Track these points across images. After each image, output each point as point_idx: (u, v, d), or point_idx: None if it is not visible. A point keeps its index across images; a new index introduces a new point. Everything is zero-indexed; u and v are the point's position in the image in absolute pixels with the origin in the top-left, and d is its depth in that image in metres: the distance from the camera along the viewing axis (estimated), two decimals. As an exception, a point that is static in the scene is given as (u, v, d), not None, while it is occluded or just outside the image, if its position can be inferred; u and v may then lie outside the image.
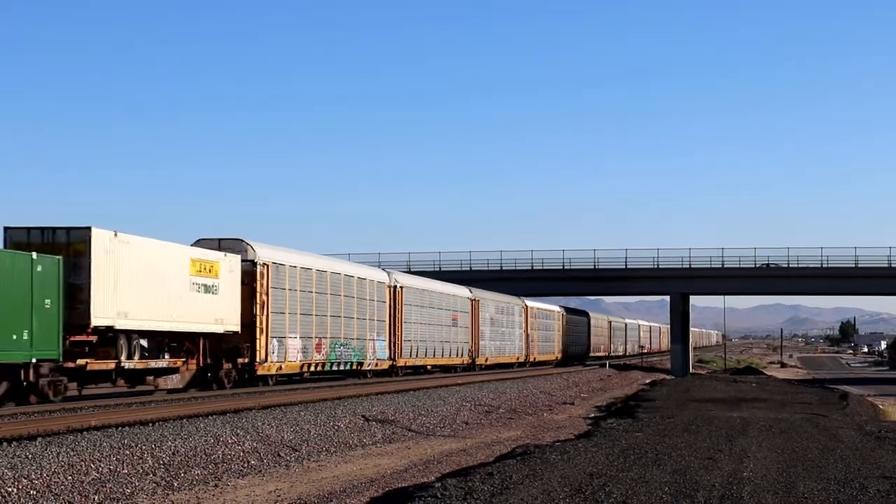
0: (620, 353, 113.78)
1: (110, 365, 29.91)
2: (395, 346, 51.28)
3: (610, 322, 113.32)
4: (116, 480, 16.51)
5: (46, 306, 26.56)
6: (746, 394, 47.06)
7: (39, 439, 18.75)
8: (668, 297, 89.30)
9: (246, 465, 19.45)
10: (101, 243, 29.08)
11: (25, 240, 28.86)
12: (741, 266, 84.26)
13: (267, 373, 38.60)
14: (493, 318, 67.73)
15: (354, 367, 46.87)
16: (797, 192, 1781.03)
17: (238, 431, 21.84)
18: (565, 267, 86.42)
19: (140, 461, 17.87)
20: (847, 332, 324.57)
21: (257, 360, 37.64)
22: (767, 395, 46.03)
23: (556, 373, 63.52)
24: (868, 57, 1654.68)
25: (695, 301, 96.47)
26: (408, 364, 53.55)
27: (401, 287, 52.38)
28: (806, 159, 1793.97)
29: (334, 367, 45.13)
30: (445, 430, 28.29)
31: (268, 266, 38.59)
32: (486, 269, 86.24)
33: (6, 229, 29.61)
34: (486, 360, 66.01)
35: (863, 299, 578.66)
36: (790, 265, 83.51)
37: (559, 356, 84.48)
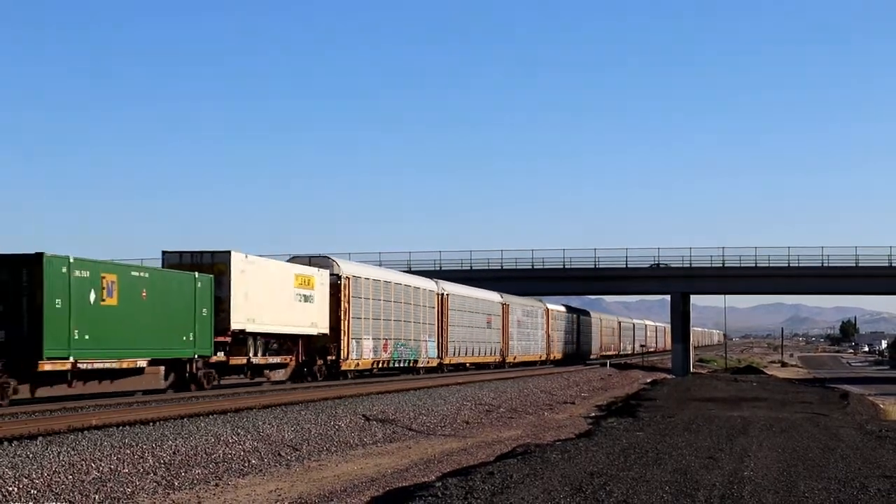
0: (629, 352, 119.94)
1: (243, 360, 37.25)
2: (442, 346, 58.10)
3: (619, 322, 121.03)
4: (117, 480, 16.51)
5: (203, 314, 33.59)
6: (747, 393, 47.05)
7: (40, 438, 18.75)
8: (668, 297, 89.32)
9: (247, 465, 19.45)
10: (237, 264, 36.24)
11: (178, 261, 35.87)
12: (742, 265, 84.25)
13: (348, 368, 45.88)
14: (520, 320, 74.03)
15: (411, 364, 53.68)
16: (798, 192, 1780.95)
17: (239, 431, 21.84)
18: (566, 266, 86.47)
19: (141, 460, 17.87)
20: (848, 332, 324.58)
21: (341, 357, 44.90)
22: (768, 395, 46.01)
23: (556, 372, 63.59)
24: (868, 56, 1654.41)
25: (695, 300, 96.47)
26: (451, 362, 59.89)
27: (447, 294, 59.47)
28: (806, 159, 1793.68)
29: (396, 365, 52.00)
30: (446, 429, 28.29)
31: (349, 279, 45.91)
32: (486, 268, 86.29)
33: (164, 253, 36.88)
34: (515, 358, 71.96)
35: (863, 299, 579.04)
36: (790, 264, 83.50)
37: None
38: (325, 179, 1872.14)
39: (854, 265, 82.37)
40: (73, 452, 17.36)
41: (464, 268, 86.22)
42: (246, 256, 37.11)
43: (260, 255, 38.89)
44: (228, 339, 35.71)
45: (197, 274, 33.71)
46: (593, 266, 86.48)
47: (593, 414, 37.00)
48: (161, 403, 28.35)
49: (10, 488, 14.92)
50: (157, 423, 21.93)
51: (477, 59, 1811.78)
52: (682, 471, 17.76)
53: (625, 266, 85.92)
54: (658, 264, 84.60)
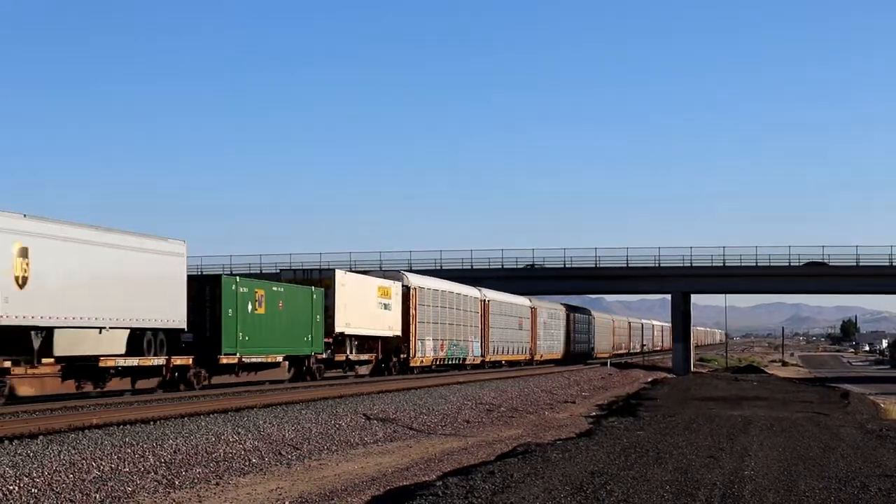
0: (638, 351, 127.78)
1: (343, 357, 45.96)
2: (484, 345, 66.41)
3: (629, 323, 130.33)
4: (118, 479, 16.50)
5: (317, 320, 42.10)
6: (748, 392, 47.04)
7: (41, 437, 18.75)
8: (668, 296, 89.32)
9: (247, 464, 19.45)
10: (339, 279, 45.18)
11: (293, 277, 45.08)
12: (742, 265, 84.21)
13: (415, 365, 54.06)
14: (546, 322, 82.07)
15: (461, 361, 61.75)
16: (798, 192, 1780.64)
17: (239, 430, 21.84)
18: (567, 265, 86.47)
19: (141, 459, 17.87)
20: (848, 331, 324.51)
21: (410, 356, 53.36)
22: (769, 394, 46.00)
23: (557, 371, 63.80)
24: (869, 56, 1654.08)
25: (696, 300, 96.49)
26: (491, 359, 67.89)
27: (488, 301, 67.53)
28: (807, 158, 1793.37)
29: (449, 362, 59.90)
30: (447, 428, 28.28)
31: (416, 289, 54.48)
32: (487, 267, 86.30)
33: (282, 270, 48.45)
34: (541, 356, 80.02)
35: (864, 298, 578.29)
36: (791, 264, 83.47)
37: (600, 351, 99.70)
38: (326, 179, 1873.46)
39: (855, 264, 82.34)
40: (73, 451, 17.36)
41: (464, 266, 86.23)
42: (345, 273, 46.81)
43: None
44: (331, 340, 44.15)
45: (314, 288, 42.35)
46: (594, 265, 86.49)
47: (594, 413, 36.99)
48: (162, 402, 28.36)
49: (11, 487, 14.93)
50: (158, 423, 21.92)
51: (476, 54, 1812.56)
52: (682, 470, 17.75)
53: (626, 265, 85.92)
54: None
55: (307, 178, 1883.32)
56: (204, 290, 35.12)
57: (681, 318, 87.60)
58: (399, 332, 51.61)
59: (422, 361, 54.85)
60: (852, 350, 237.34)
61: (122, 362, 30.58)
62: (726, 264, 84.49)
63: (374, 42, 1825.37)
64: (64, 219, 28.86)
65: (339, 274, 45.48)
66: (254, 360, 37.44)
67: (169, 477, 17.30)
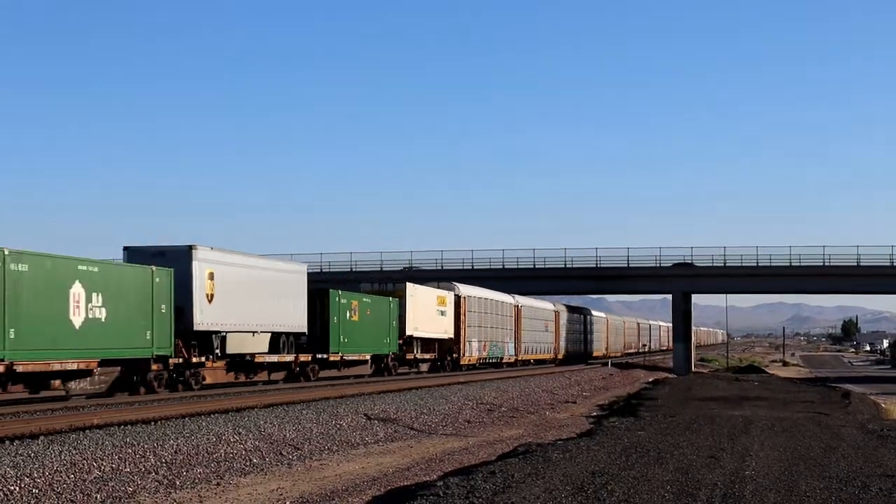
0: (647, 349, 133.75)
1: (412, 356, 54.49)
2: (517, 346, 74.31)
3: (638, 324, 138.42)
4: (118, 479, 16.50)
5: (393, 325, 50.93)
6: (748, 392, 47.01)
7: (42, 438, 18.75)
8: (670, 296, 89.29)
9: (248, 464, 19.44)
10: (409, 290, 53.58)
11: (371, 289, 53.72)
12: (743, 265, 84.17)
13: (464, 363, 62.02)
14: (567, 325, 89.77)
15: (499, 360, 69.47)
16: (799, 191, 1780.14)
17: (240, 430, 21.83)
18: (567, 266, 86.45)
19: (142, 460, 17.87)
20: (849, 331, 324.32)
21: (461, 355, 61.57)
22: (769, 394, 45.97)
23: (558, 371, 63.87)
24: (870, 56, 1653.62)
25: (697, 300, 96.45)
26: (523, 359, 75.49)
27: (521, 306, 75.24)
28: (808, 158, 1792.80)
29: (489, 361, 67.57)
30: (448, 428, 28.27)
31: (465, 298, 62.79)
32: (488, 267, 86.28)
33: (360, 285, 55.12)
34: (563, 355, 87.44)
35: (865, 298, 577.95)
36: (792, 264, 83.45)
37: (606, 352, 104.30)
38: (327, 179, 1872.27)
39: (856, 264, 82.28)
40: (74, 451, 17.36)
41: (465, 267, 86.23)
42: (414, 286, 54.85)
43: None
44: (402, 342, 52.30)
45: (391, 298, 51.18)
46: (595, 265, 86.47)
47: (595, 413, 36.97)
48: (163, 403, 28.36)
49: (12, 487, 14.93)
50: (159, 423, 21.92)
51: (476, 55, 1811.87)
52: (683, 470, 17.75)
53: (626, 265, 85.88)
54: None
55: (307, 177, 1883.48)
56: (315, 301, 43.65)
57: (681, 318, 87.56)
58: (452, 335, 60.17)
59: (469, 360, 63.06)
60: (853, 350, 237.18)
61: (268, 358, 39.64)
62: (727, 264, 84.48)
63: (375, 42, 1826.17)
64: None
65: (409, 286, 54.13)
66: (350, 357, 46.56)
67: (170, 477, 17.29)
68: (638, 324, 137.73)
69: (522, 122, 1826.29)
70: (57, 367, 27.38)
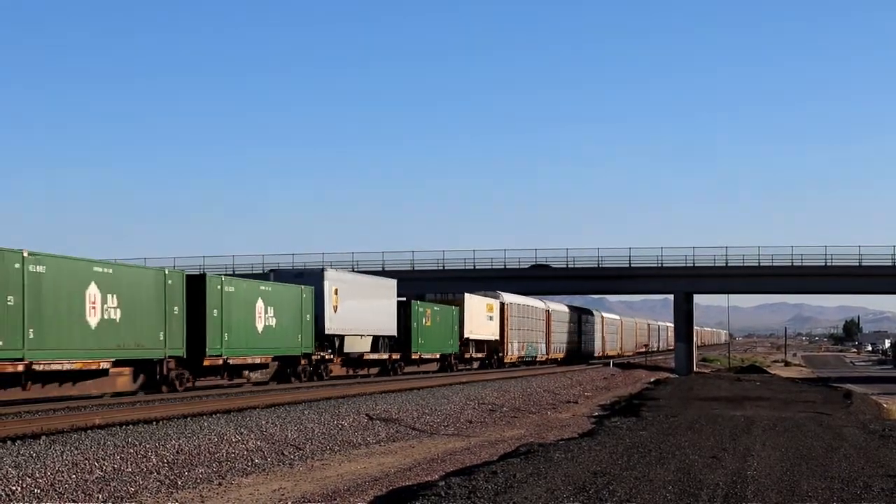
0: (656, 349, 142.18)
1: (469, 355, 64.65)
2: (547, 346, 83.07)
3: (648, 325, 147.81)
4: (120, 479, 16.51)
5: (455, 329, 60.84)
6: (750, 392, 46.99)
7: (43, 438, 18.76)
8: (671, 296, 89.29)
9: (250, 464, 19.45)
10: (467, 300, 63.43)
11: (435, 299, 62.12)
12: (745, 265, 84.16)
13: (507, 361, 71.08)
14: (586, 327, 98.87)
15: (533, 359, 78.41)
16: (801, 191, 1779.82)
17: (242, 430, 21.83)
18: (569, 266, 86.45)
19: (144, 460, 17.87)
20: (851, 331, 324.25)
21: (505, 354, 70.66)
22: (771, 394, 45.95)
23: (560, 371, 63.95)
24: (871, 54, 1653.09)
25: (698, 300, 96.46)
26: (551, 357, 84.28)
27: (550, 311, 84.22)
28: (809, 158, 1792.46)
29: (526, 359, 76.40)
30: (449, 428, 28.28)
31: (508, 305, 71.86)
32: (489, 267, 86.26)
33: (426, 294, 63.06)
34: (584, 354, 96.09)
35: (867, 298, 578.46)
36: (794, 264, 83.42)
37: (620, 352, 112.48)
38: (327, 179, 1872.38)
39: (857, 265, 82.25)
40: (76, 451, 17.36)
41: (467, 267, 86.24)
42: (470, 296, 64.76)
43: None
44: (461, 343, 62.23)
45: (453, 307, 61.16)
46: (597, 265, 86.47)
47: (596, 413, 36.97)
48: (164, 402, 28.38)
49: (14, 487, 14.93)
50: (161, 423, 21.93)
51: (477, 60, 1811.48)
52: (685, 470, 17.74)
53: (628, 265, 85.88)
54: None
55: (306, 177, 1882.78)
56: (400, 310, 53.03)
57: (683, 318, 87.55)
58: (497, 337, 69.26)
59: (511, 358, 71.95)
60: (855, 350, 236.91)
61: (372, 356, 49.41)
62: (729, 264, 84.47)
63: (375, 41, 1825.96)
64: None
65: (467, 297, 64.03)
66: (426, 356, 56.96)
67: (172, 477, 17.30)
68: (648, 325, 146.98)
69: (523, 123, 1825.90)
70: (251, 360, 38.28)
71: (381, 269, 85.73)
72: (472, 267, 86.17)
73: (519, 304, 74.95)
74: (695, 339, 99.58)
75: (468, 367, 64.82)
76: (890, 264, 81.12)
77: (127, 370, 31.00)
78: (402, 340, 53.06)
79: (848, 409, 38.18)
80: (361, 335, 47.89)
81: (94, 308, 29.02)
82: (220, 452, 19.69)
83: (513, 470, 17.33)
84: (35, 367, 26.55)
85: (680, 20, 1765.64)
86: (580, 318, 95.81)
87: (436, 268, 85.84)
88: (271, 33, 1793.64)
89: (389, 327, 51.23)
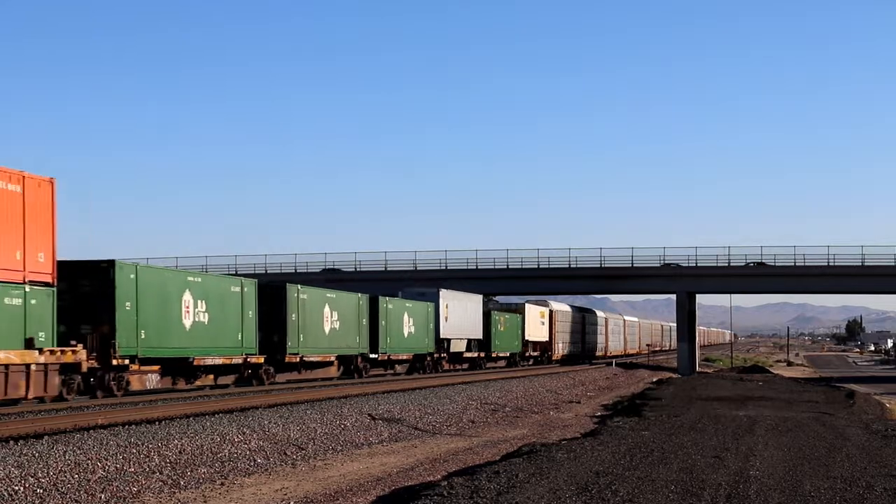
0: (666, 349, 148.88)
1: (528, 354, 79.26)
2: (583, 347, 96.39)
3: (661, 326, 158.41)
4: (123, 479, 16.51)
5: (518, 333, 75.41)
6: (753, 392, 46.94)
7: (46, 438, 18.76)
8: (674, 296, 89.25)
9: (252, 464, 19.45)
10: (527, 308, 78.09)
11: (502, 307, 77.68)
12: (748, 264, 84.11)
13: (555, 358, 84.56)
14: (611, 328, 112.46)
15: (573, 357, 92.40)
16: (803, 191, 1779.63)
17: (244, 430, 21.84)
18: (571, 265, 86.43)
19: (146, 459, 17.87)
20: (853, 331, 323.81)
21: (553, 353, 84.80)
22: (774, 394, 45.89)
23: (562, 371, 63.92)
24: (871, 55, 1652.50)
25: (701, 300, 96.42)
26: (610, 355, 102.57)
27: (585, 315, 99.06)
28: (811, 158, 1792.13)
29: (568, 357, 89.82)
30: (452, 428, 28.28)
31: (555, 311, 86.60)
32: (492, 267, 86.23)
33: (493, 303, 78.27)
34: (607, 353, 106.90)
35: (869, 298, 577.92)
36: (796, 263, 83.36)
37: (638, 350, 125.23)
38: (329, 178, 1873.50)
39: (860, 264, 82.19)
40: (78, 451, 17.36)
41: (469, 267, 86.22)
42: (529, 305, 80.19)
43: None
44: (522, 344, 76.35)
45: (518, 314, 76.67)
46: (599, 265, 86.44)
47: (599, 413, 36.97)
48: (167, 402, 28.40)
49: (17, 487, 14.93)
50: (163, 423, 21.93)
51: (478, 57, 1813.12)
52: (687, 470, 17.74)
53: (630, 265, 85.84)
54: (669, 263, 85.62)
55: (307, 177, 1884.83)
56: (485, 318, 68.10)
57: (686, 318, 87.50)
58: (547, 339, 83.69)
59: (557, 356, 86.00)
60: (857, 350, 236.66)
61: (468, 355, 65.19)
62: (731, 264, 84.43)
63: (376, 40, 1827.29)
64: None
65: (527, 306, 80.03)
66: (500, 355, 71.97)
67: (174, 477, 17.30)
68: (661, 326, 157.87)
69: (526, 120, 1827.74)
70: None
71: (383, 269, 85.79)
72: (475, 267, 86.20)
73: (563, 311, 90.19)
74: (697, 338, 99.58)
75: (527, 363, 79.10)
76: (893, 264, 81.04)
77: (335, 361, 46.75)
78: (484, 342, 68.19)
79: (851, 409, 38.13)
80: (461, 338, 63.61)
81: (328, 319, 44.88)
82: (222, 452, 19.69)
83: (515, 470, 17.32)
84: (305, 358, 42.79)
85: (679, 17, 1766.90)
86: (606, 321, 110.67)
87: (439, 268, 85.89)
88: (268, 25, 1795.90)
89: (477, 332, 66.59)
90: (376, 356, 49.67)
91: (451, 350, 61.41)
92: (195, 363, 34.55)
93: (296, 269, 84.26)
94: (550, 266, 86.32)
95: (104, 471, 16.71)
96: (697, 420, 28.93)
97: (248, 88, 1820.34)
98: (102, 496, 15.45)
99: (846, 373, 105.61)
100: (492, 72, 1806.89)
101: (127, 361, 30.72)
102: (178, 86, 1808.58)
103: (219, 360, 35.97)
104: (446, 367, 61.03)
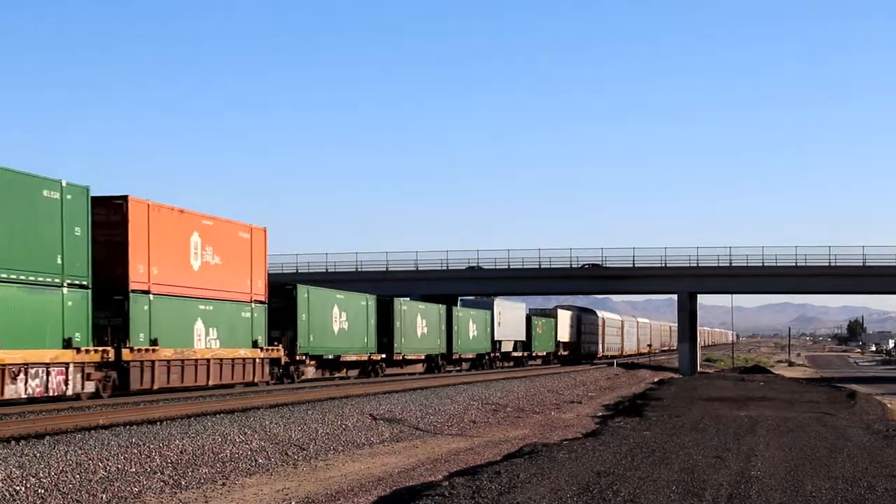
0: (674, 348, 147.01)
1: (560, 353, 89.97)
2: (603, 347, 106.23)
3: (670, 327, 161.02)
4: (124, 479, 16.51)
5: (553, 334, 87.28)
6: (754, 393, 46.94)
7: (47, 438, 18.74)
8: (675, 296, 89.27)
9: (254, 464, 19.45)
10: (559, 313, 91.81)
11: (538, 312, 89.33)
12: (749, 265, 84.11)
13: (580, 358, 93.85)
14: (627, 330, 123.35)
15: (594, 356, 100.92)
16: (804, 191, 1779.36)
17: (246, 430, 21.83)
18: (573, 265, 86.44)
19: (148, 460, 17.87)
20: (855, 331, 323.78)
21: (580, 352, 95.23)
22: (775, 394, 45.90)
23: (563, 371, 63.94)
24: (871, 55, 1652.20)
25: (702, 300, 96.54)
26: (623, 354, 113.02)
27: (606, 319, 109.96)
28: (812, 158, 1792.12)
29: (588, 356, 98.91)
30: (453, 428, 28.27)
31: (582, 316, 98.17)
32: (493, 267, 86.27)
33: (531, 309, 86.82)
34: (625, 353, 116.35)
35: (870, 298, 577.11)
36: (798, 264, 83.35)
37: (649, 349, 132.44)
38: (329, 178, 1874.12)
39: (861, 265, 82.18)
40: (80, 452, 17.35)
41: (471, 266, 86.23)
42: (560, 310, 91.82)
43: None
44: (555, 344, 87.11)
45: (552, 318, 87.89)
46: (600, 265, 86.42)
47: (600, 413, 36.97)
48: (168, 402, 28.40)
49: (18, 487, 14.93)
50: (164, 423, 21.92)
51: (480, 57, 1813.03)
52: (689, 470, 17.74)
53: (632, 265, 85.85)
54: (474, 267, 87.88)
55: (306, 177, 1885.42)
56: (527, 322, 79.50)
57: (687, 318, 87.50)
58: (575, 340, 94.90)
59: (599, 357, 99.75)
60: (859, 350, 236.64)
61: (515, 354, 76.82)
62: (733, 264, 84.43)
63: (378, 40, 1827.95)
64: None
65: (559, 311, 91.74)
66: (539, 354, 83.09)
67: (175, 477, 17.31)
68: (670, 327, 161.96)
69: (528, 120, 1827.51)
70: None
71: (384, 269, 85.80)
72: (476, 267, 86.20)
73: (587, 316, 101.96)
74: (698, 339, 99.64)
75: (557, 362, 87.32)
76: (894, 264, 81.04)
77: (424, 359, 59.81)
78: (526, 343, 79.10)
79: (852, 409, 38.13)
80: (510, 340, 75.17)
81: (419, 326, 57.27)
82: (223, 452, 19.69)
83: (516, 470, 17.32)
84: (405, 357, 55.44)
85: (680, 16, 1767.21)
86: (622, 323, 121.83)
87: (440, 268, 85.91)
88: (273, 31, 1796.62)
89: (521, 334, 78.02)
90: (450, 356, 62.39)
91: (502, 350, 73.61)
92: (341, 359, 46.59)
93: (297, 270, 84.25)
94: (552, 266, 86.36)
95: (105, 471, 16.71)
96: (699, 420, 28.93)
97: (247, 93, 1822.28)
98: (103, 496, 15.46)
99: (847, 373, 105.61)
100: (492, 71, 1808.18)
101: (304, 357, 42.31)
102: (176, 85, 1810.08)
103: (353, 357, 48.23)
104: (499, 364, 72.87)
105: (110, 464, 17.08)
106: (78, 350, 27.06)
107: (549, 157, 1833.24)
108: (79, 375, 27.33)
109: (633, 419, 30.42)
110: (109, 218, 29.45)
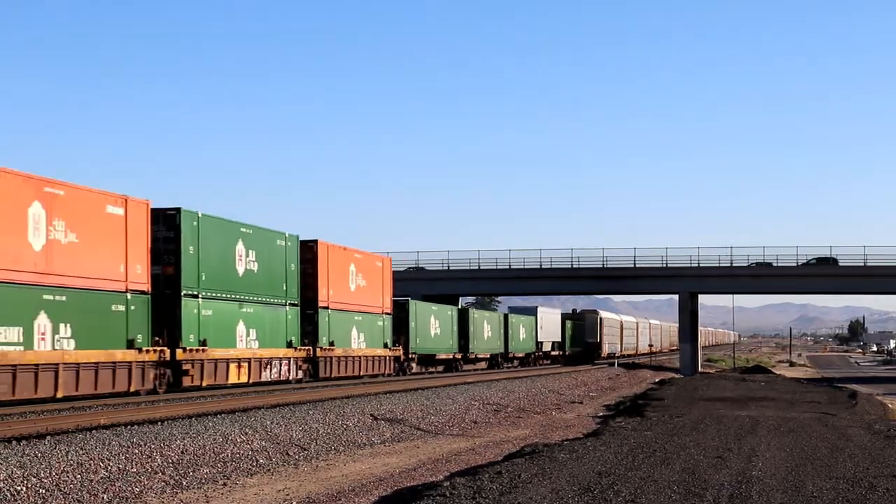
0: (659, 349, 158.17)
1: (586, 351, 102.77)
2: (621, 347, 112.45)
3: (671, 327, 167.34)
4: (125, 479, 16.52)
5: (585, 335, 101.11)
6: (755, 393, 46.93)
7: (48, 438, 18.74)
8: (676, 297, 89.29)
9: (255, 464, 19.45)
10: (586, 317, 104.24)
11: (570, 315, 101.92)
12: (750, 265, 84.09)
13: (602, 356, 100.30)
14: (641, 331, 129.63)
15: (614, 356, 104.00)
16: (805, 192, 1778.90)
17: (247, 430, 21.83)
18: (574, 266, 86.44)
19: (149, 460, 17.87)
20: (856, 331, 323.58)
21: (601, 353, 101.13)
22: (776, 394, 45.88)
23: (564, 371, 63.95)
24: (871, 55, 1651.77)
25: (703, 300, 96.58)
26: (639, 352, 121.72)
27: (623, 321, 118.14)
28: (813, 158, 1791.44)
29: (611, 357, 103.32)
30: (454, 428, 28.27)
31: (603, 318, 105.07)
32: (494, 267, 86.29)
33: (563, 314, 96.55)
34: (639, 353, 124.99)
35: (872, 298, 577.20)
36: (799, 264, 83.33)
37: (663, 348, 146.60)
38: (330, 179, 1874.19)
39: (862, 265, 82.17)
40: (81, 452, 17.36)
41: (472, 267, 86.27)
42: (586, 312, 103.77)
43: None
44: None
45: (579, 320, 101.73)
46: (601, 266, 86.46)
47: (601, 413, 36.96)
48: (169, 403, 28.41)
49: (19, 487, 14.94)
50: (166, 423, 21.92)
51: (481, 57, 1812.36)
52: (690, 470, 17.73)
53: (633, 265, 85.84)
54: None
55: (306, 177, 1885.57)
56: (563, 323, 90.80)
57: (688, 319, 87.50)
58: (598, 341, 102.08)
59: (603, 355, 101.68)
60: (860, 350, 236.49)
61: (554, 353, 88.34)
62: (734, 264, 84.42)
63: (379, 40, 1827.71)
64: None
65: (585, 314, 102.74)
66: (572, 353, 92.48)
67: (176, 477, 17.31)
68: (671, 327, 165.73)
69: (528, 120, 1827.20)
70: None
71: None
72: (478, 267, 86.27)
73: (607, 318, 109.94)
74: (699, 339, 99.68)
75: (590, 362, 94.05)
76: (895, 265, 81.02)
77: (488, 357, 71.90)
78: (561, 343, 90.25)
79: (853, 409, 38.10)
80: (549, 341, 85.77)
81: (486, 330, 69.23)
82: (224, 453, 19.69)
83: (517, 470, 17.32)
84: (477, 356, 67.46)
85: (681, 16, 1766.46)
86: (637, 324, 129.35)
87: (441, 268, 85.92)
88: (275, 30, 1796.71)
89: (557, 335, 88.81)
90: (507, 354, 75.07)
91: (543, 350, 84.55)
92: (435, 357, 59.62)
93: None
94: (553, 266, 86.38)
95: (106, 471, 16.71)
96: (700, 420, 28.91)
97: (255, 93, 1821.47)
98: (105, 496, 15.46)
99: (848, 373, 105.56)
100: (493, 71, 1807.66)
101: (412, 355, 55.06)
102: (183, 87, 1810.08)
103: (443, 356, 61.34)
104: (542, 362, 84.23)
105: (111, 464, 17.08)
106: (296, 349, 39.71)
107: (549, 157, 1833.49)
108: (294, 366, 39.93)
109: (634, 419, 30.41)
110: (305, 256, 41.24)
